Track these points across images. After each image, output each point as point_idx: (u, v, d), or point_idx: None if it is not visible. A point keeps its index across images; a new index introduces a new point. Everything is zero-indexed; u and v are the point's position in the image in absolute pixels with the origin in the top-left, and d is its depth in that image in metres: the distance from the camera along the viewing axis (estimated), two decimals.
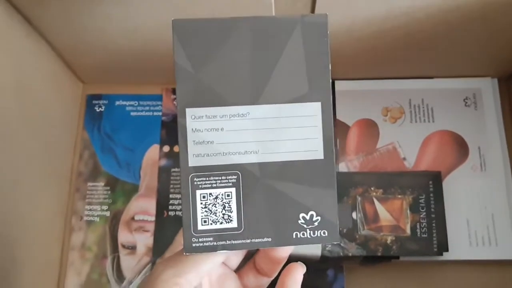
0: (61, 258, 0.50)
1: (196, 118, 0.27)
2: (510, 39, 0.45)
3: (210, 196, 0.27)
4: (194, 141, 0.27)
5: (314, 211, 0.27)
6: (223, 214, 0.27)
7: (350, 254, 0.46)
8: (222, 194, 0.27)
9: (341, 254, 0.46)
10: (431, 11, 0.40)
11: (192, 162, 0.27)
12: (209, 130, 0.27)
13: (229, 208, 0.27)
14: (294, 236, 0.27)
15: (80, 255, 0.50)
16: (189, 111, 0.27)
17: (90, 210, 0.51)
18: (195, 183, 0.27)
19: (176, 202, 0.50)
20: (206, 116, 0.27)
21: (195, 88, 0.27)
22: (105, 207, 0.51)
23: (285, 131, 0.27)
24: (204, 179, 0.27)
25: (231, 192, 0.27)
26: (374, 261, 0.47)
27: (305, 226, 0.27)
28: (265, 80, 0.27)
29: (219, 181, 0.27)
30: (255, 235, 0.27)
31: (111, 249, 0.50)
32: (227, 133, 0.27)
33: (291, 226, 0.27)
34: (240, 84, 0.27)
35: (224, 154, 0.27)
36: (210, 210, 0.27)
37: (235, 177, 0.27)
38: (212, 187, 0.27)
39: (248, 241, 0.27)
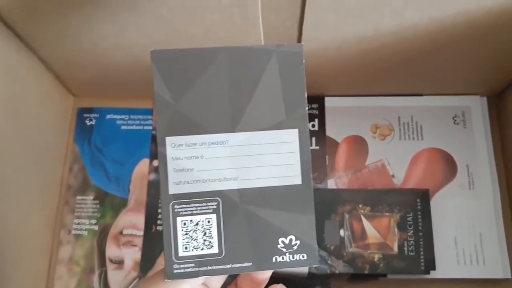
0: (48, 271, 0.50)
1: (176, 146, 0.27)
2: (498, 58, 0.46)
3: (190, 223, 0.27)
4: (174, 168, 0.27)
5: (293, 235, 0.28)
6: (204, 240, 0.27)
7: (337, 272, 0.46)
8: (203, 221, 0.27)
9: (328, 271, 0.46)
10: (418, 31, 0.40)
11: (173, 189, 0.27)
12: (188, 158, 0.27)
13: (210, 234, 0.27)
14: (274, 260, 0.28)
15: (68, 269, 0.49)
16: (169, 140, 0.27)
17: (79, 223, 0.51)
18: (176, 210, 0.27)
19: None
20: (185, 144, 0.27)
21: (175, 117, 0.27)
22: (93, 221, 0.51)
23: (263, 158, 0.28)
24: (185, 206, 0.27)
25: (211, 218, 0.27)
26: (361, 279, 0.47)
27: (284, 250, 0.28)
28: (243, 108, 0.28)
29: (200, 208, 0.27)
30: (235, 260, 0.27)
31: (98, 263, 0.50)
32: (206, 161, 0.27)
33: (271, 250, 0.28)
34: (219, 112, 0.27)
35: (204, 181, 0.27)
36: (191, 237, 0.27)
37: (215, 203, 0.27)
38: (192, 214, 0.27)
39: (229, 266, 0.27)
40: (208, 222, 0.27)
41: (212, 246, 0.27)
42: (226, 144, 0.27)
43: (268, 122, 0.28)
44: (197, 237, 0.27)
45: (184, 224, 0.27)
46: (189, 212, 0.27)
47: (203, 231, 0.27)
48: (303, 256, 0.28)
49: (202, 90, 0.27)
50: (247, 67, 0.28)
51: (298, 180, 0.28)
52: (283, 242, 0.28)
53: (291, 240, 0.28)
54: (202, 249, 0.27)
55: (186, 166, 0.27)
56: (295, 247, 0.28)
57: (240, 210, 0.28)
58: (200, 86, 0.27)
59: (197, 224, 0.27)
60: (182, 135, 0.27)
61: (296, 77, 0.28)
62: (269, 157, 0.28)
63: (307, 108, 0.28)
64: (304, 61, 0.28)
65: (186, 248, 0.27)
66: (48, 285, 0.50)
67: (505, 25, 0.40)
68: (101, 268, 0.49)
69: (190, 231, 0.27)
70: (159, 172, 0.27)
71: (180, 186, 0.27)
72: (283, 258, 0.28)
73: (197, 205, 0.27)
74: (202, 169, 0.27)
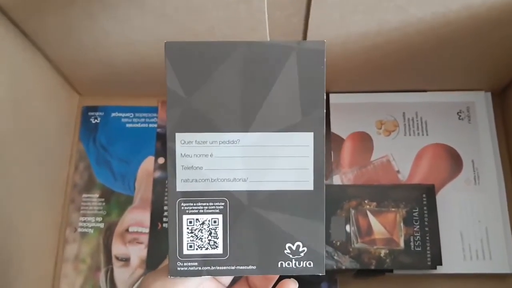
0: (55, 270, 0.50)
1: (185, 143, 0.27)
2: (502, 54, 0.46)
3: (196, 222, 0.27)
4: (182, 166, 0.27)
5: (300, 241, 0.27)
6: (209, 240, 0.27)
7: (343, 267, 0.46)
8: (209, 220, 0.27)
9: (335, 267, 0.46)
10: (422, 26, 0.40)
11: (180, 187, 0.27)
12: (198, 155, 0.27)
13: (215, 234, 0.27)
14: (279, 265, 0.27)
15: (74, 267, 0.50)
16: (179, 136, 0.27)
17: (84, 221, 0.51)
18: (182, 208, 0.27)
19: None
20: (195, 141, 0.27)
21: (186, 112, 0.27)
22: (99, 219, 0.51)
23: (276, 160, 0.27)
24: (192, 204, 0.27)
25: (218, 218, 0.27)
26: (367, 274, 0.47)
27: (290, 256, 0.27)
28: (257, 107, 0.27)
29: (207, 207, 0.27)
30: (240, 262, 0.27)
31: (104, 261, 0.50)
32: (216, 160, 0.27)
33: (277, 255, 0.27)
34: (232, 110, 0.27)
35: (213, 180, 0.27)
36: (196, 236, 0.27)
37: (222, 204, 0.27)
38: (199, 213, 0.27)
39: (233, 267, 0.27)
40: (214, 222, 0.27)
41: (217, 247, 0.27)
42: (238, 144, 0.27)
43: (283, 123, 0.27)
44: (202, 236, 0.27)
45: (190, 222, 0.27)
46: (196, 211, 0.27)
47: (209, 230, 0.27)
48: (309, 264, 0.27)
49: (216, 86, 0.26)
50: (264, 64, 0.26)
51: (310, 186, 0.27)
52: (290, 247, 0.27)
53: (298, 246, 0.27)
54: (207, 248, 0.27)
55: (195, 164, 0.27)
56: (302, 254, 0.27)
57: (248, 212, 0.27)
58: (214, 81, 0.26)
59: (203, 223, 0.27)
60: (193, 132, 0.27)
61: (316, 76, 0.27)
62: (281, 160, 0.27)
63: (325, 111, 0.27)
64: (325, 59, 0.27)
65: (190, 246, 0.27)
66: (54, 283, 0.50)
67: (508, 19, 0.40)
68: (107, 265, 0.50)
69: (195, 230, 0.27)
70: (167, 168, 0.27)
71: (188, 184, 0.27)
72: (288, 264, 0.27)
73: (204, 204, 0.27)
74: (211, 168, 0.27)
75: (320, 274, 0.27)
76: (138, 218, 0.51)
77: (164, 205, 0.50)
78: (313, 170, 0.27)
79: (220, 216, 0.27)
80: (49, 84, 0.49)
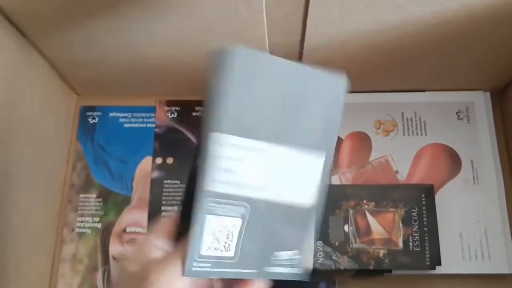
0: (52, 270, 0.50)
1: (220, 144, 0.27)
2: (501, 54, 0.46)
3: (218, 223, 0.27)
4: (214, 166, 0.27)
5: (295, 250, 0.29)
6: (225, 243, 0.28)
7: (342, 267, 0.45)
8: (229, 223, 0.28)
9: (333, 267, 0.45)
10: (420, 25, 0.40)
11: (209, 186, 0.27)
12: (230, 158, 0.27)
13: (231, 238, 0.28)
14: (274, 271, 0.29)
15: (71, 267, 0.49)
16: (216, 136, 0.27)
17: (82, 222, 0.51)
18: (208, 207, 0.27)
19: (168, 214, 0.50)
20: (230, 144, 0.27)
21: (228, 115, 0.27)
22: (96, 219, 0.51)
23: (293, 174, 0.29)
24: (217, 205, 0.27)
25: (237, 222, 0.28)
26: (366, 275, 0.47)
27: (285, 263, 0.29)
28: (289, 124, 0.28)
29: (230, 210, 0.28)
30: (244, 266, 0.28)
31: (102, 261, 0.49)
32: (245, 165, 0.28)
33: (275, 261, 0.29)
34: (268, 121, 0.28)
35: (239, 184, 0.27)
36: (216, 237, 0.27)
37: (244, 209, 0.28)
38: (222, 215, 0.27)
39: (237, 270, 0.28)
40: (234, 225, 0.28)
41: (229, 250, 0.28)
42: (266, 153, 0.28)
43: (307, 141, 0.29)
44: (220, 238, 0.27)
45: (213, 223, 0.27)
46: (219, 212, 0.27)
47: (227, 233, 0.27)
48: (299, 271, 0.30)
49: (260, 96, 0.27)
50: (305, 86, 0.28)
51: (311, 202, 0.29)
52: (287, 255, 0.29)
53: (294, 254, 0.29)
54: (221, 250, 0.27)
55: (226, 166, 0.27)
56: (294, 262, 0.29)
57: (261, 220, 0.28)
58: (259, 92, 0.27)
59: (224, 225, 0.27)
60: (229, 135, 0.27)
61: (338, 106, 0.30)
62: (297, 175, 0.29)
63: (337, 135, 0.30)
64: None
65: (209, 247, 0.27)
66: (52, 283, 0.50)
67: (508, 19, 0.40)
68: (104, 266, 0.49)
69: (216, 231, 0.27)
70: (198, 166, 0.27)
71: (217, 184, 0.27)
72: (283, 270, 0.29)
73: (228, 206, 0.27)
74: (240, 172, 0.27)
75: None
76: (135, 218, 0.50)
77: (161, 205, 0.50)
78: (318, 187, 0.29)
79: (239, 221, 0.28)
80: (47, 84, 0.49)
